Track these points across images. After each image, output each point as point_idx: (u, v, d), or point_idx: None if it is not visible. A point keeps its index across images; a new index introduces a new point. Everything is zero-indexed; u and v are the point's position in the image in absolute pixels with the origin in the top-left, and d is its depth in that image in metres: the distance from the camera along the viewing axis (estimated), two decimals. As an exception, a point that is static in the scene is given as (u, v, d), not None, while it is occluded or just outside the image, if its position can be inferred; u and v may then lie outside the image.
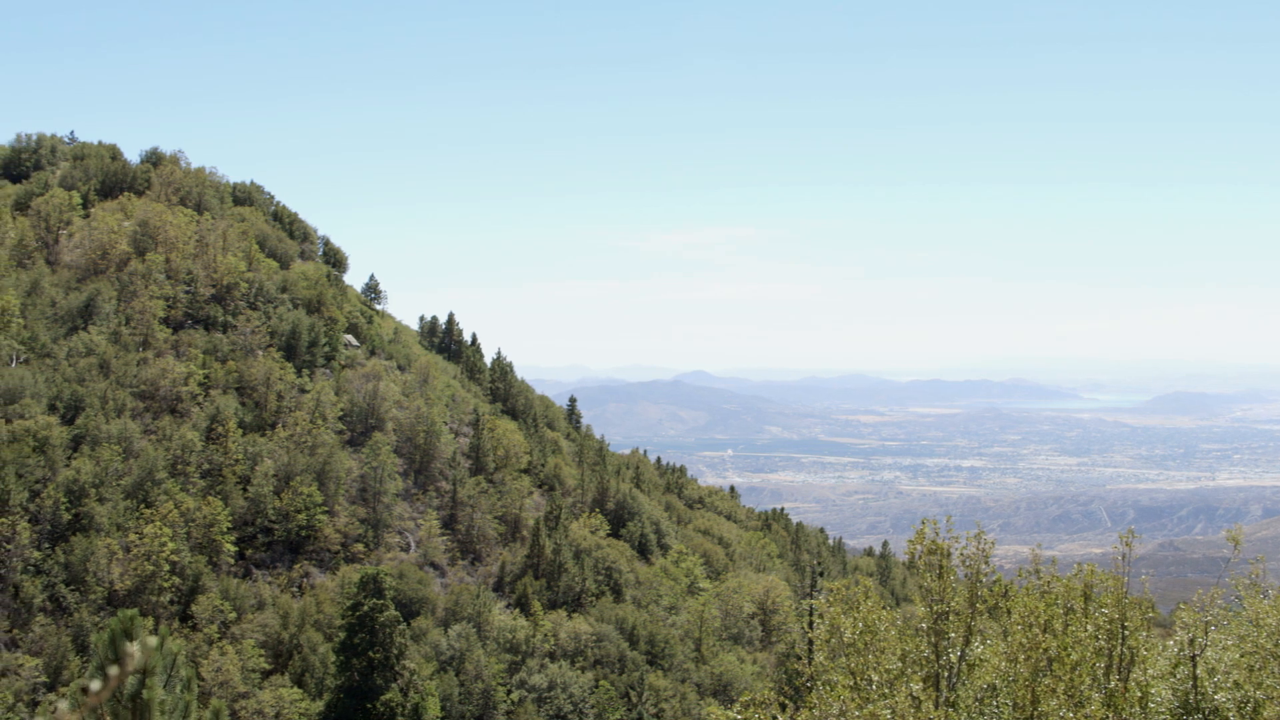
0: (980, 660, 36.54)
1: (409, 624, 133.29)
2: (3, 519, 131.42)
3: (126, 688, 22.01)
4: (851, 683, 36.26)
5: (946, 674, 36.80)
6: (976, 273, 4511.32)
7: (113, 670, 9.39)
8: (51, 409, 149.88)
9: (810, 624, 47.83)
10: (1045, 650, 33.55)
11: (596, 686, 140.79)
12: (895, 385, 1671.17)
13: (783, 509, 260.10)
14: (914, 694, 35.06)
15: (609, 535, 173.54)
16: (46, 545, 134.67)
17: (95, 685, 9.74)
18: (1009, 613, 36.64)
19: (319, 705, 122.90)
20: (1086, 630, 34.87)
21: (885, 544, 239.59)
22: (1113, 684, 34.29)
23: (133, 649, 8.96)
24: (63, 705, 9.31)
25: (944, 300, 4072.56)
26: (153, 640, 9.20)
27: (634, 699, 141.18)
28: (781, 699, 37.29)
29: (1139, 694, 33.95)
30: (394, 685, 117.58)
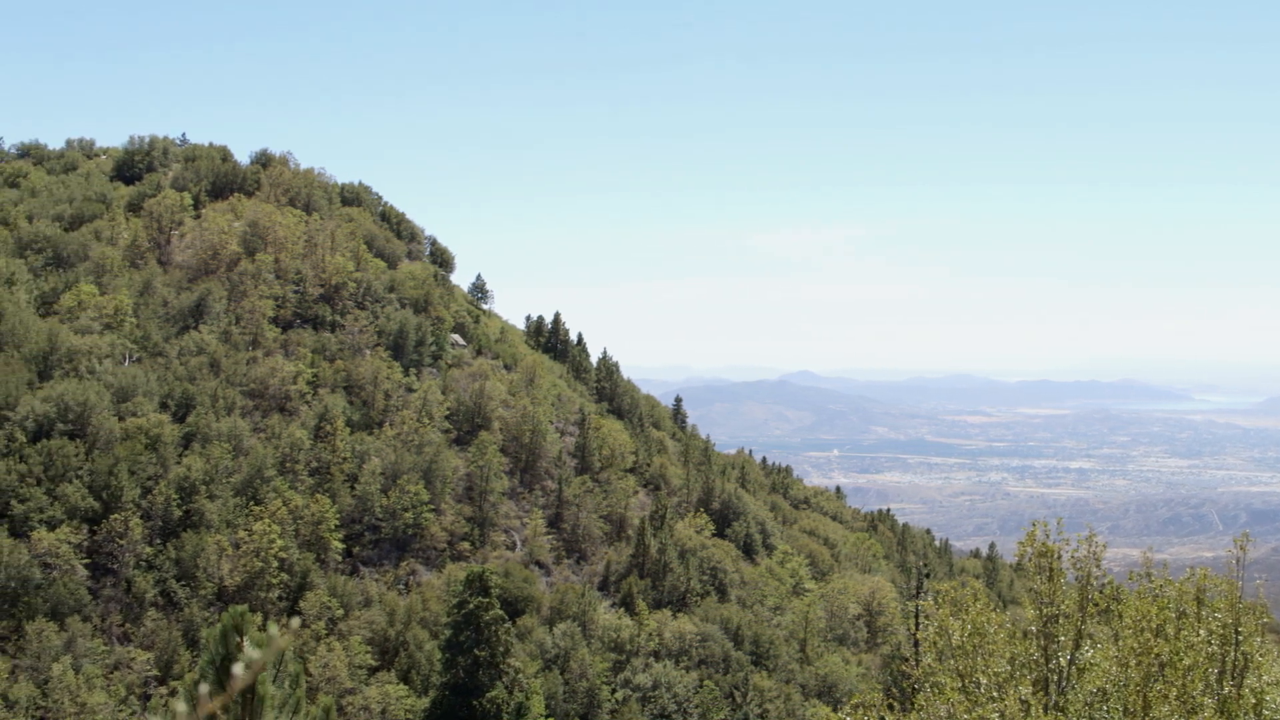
0: (1090, 664, 36.09)
1: (514, 622, 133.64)
2: (116, 515, 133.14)
3: (236, 683, 22.16)
4: (959, 685, 35.94)
5: (1056, 678, 36.39)
6: (1087, 273, 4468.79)
7: (241, 667, 9.45)
8: (163, 407, 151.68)
9: (917, 626, 47.45)
10: (1157, 655, 33.10)
11: (701, 686, 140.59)
12: (1003, 386, 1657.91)
13: (888, 510, 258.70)
14: (1023, 698, 34.71)
15: (714, 535, 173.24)
16: (158, 541, 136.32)
17: (239, 670, 9.82)
18: (1120, 616, 36.18)
19: (424, 702, 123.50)
20: (1199, 635, 34.36)
21: (992, 546, 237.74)
22: (1226, 690, 33.77)
23: (268, 638, 8.95)
24: (181, 707, 9.32)
25: (1053, 300, 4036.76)
26: (276, 632, 9.18)
27: (738, 699, 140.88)
28: (889, 701, 37.04)
29: (1253, 701, 33.42)
30: (499, 683, 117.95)
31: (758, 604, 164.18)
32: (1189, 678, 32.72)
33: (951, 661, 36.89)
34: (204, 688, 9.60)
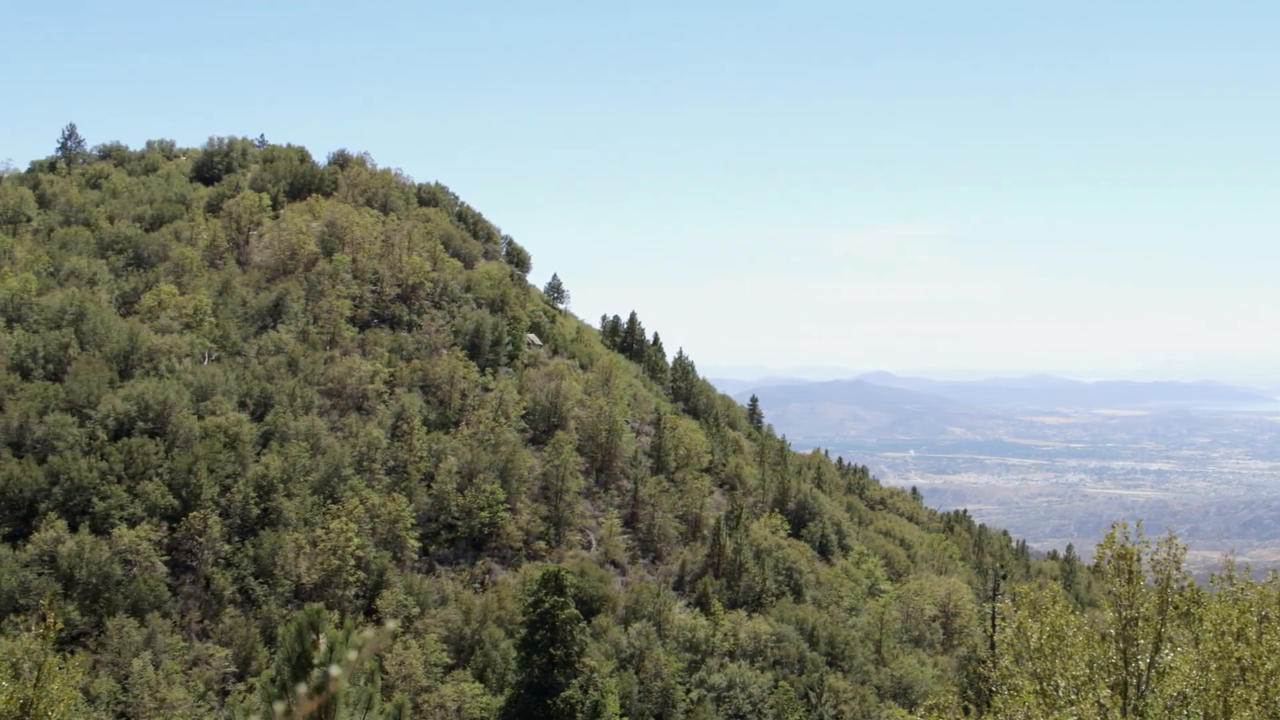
0: (1170, 668, 35.76)
1: (589, 621, 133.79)
2: (195, 513, 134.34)
3: (312, 680, 22.29)
4: (1037, 688, 35.70)
5: (1135, 681, 36.10)
6: (1167, 273, 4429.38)
7: (335, 670, 9.48)
8: (242, 406, 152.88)
9: (994, 628, 47.27)
10: (1238, 659, 32.75)
11: (775, 687, 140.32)
12: (1081, 386, 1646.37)
13: (965, 511, 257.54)
14: (1101, 701, 34.46)
15: (789, 535, 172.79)
16: (236, 539, 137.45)
17: (336, 672, 9.85)
18: (1200, 620, 35.83)
19: (499, 700, 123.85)
20: (1281, 639, 33.98)
21: (1069, 547, 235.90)
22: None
23: (361, 639, 9.00)
24: (278, 708, 9.38)
25: (1132, 300, 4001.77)
26: (371, 635, 9.22)
27: (813, 700, 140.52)
28: (965, 703, 36.87)
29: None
30: (574, 682, 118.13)
31: (833, 605, 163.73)
32: (1271, 682, 32.38)
33: (1029, 664, 36.66)
34: (302, 688, 9.60)
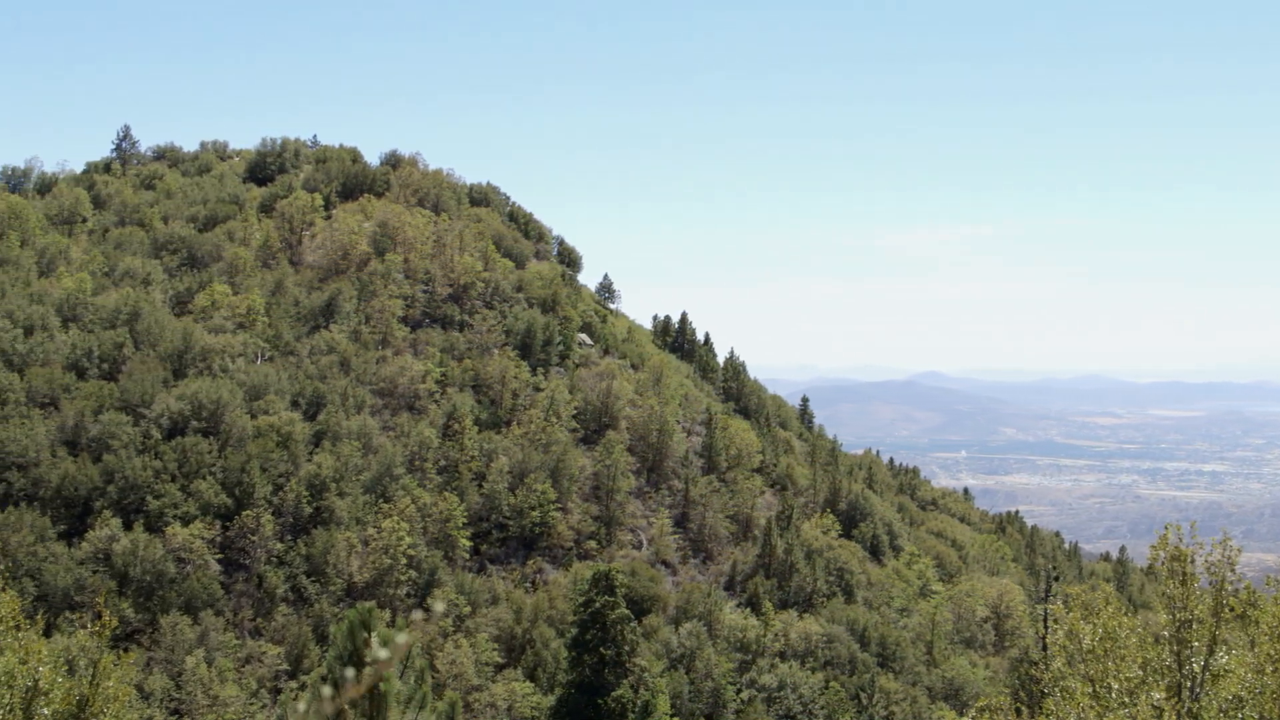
0: (1225, 670, 35.56)
1: (640, 621, 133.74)
2: (248, 511, 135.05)
3: (363, 677, 22.42)
4: (1090, 690, 35.56)
5: (1189, 684, 35.91)
6: (1221, 273, 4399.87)
7: (365, 667, 9.57)
8: (294, 405, 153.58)
9: (1046, 629, 47.09)
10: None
11: (826, 688, 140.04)
12: (1133, 387, 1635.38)
13: (1017, 512, 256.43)
14: (1155, 703, 34.29)
15: (840, 536, 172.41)
16: (289, 537, 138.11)
17: (365, 669, 9.94)
18: (1256, 622, 35.61)
19: (550, 700, 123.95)
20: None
21: (1122, 549, 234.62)
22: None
23: (398, 638, 9.09)
24: (300, 706, 9.45)
25: (1186, 301, 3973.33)
26: (404, 634, 9.29)
27: (864, 701, 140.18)
28: (1017, 705, 36.77)
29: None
30: (624, 682, 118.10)
31: (884, 605, 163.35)
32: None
33: (1082, 666, 36.51)
34: (325, 689, 9.68)
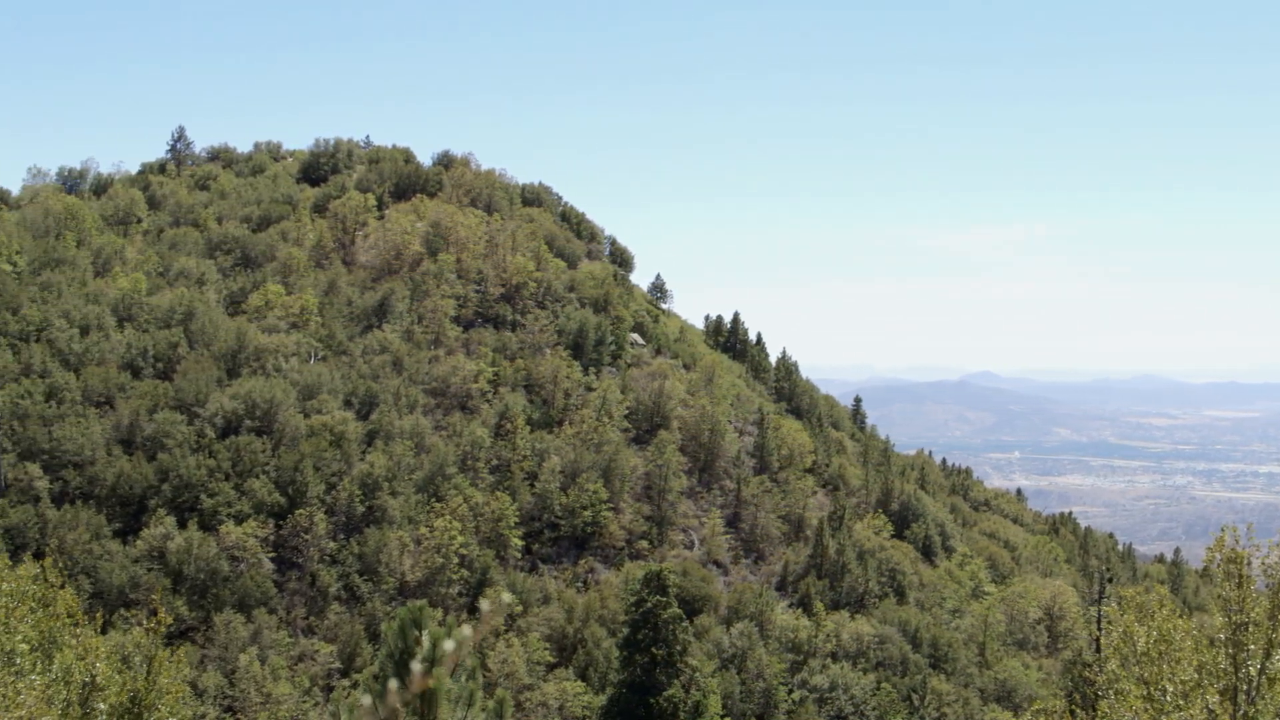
0: (1281, 674, 35.35)
1: (692, 621, 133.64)
2: (301, 510, 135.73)
3: (414, 676, 22.53)
4: (1144, 693, 35.40)
5: (1245, 687, 35.69)
6: (1275, 272, 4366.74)
7: (421, 663, 9.66)
8: (347, 404, 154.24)
9: (1100, 631, 46.89)
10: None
11: (878, 689, 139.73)
12: (1189, 387, 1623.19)
13: (1070, 513, 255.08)
14: (1210, 707, 34.12)
15: (893, 536, 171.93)
16: (341, 536, 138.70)
17: (419, 667, 10.05)
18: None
19: (601, 699, 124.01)
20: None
21: (1177, 551, 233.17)
22: None
23: (456, 637, 9.19)
24: (365, 700, 9.54)
25: (1242, 300, 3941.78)
26: (469, 631, 9.37)
27: (916, 702, 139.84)
28: (1071, 707, 36.65)
29: None
30: (676, 682, 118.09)
31: (936, 606, 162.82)
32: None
33: (1136, 668, 36.35)
34: (392, 683, 9.80)
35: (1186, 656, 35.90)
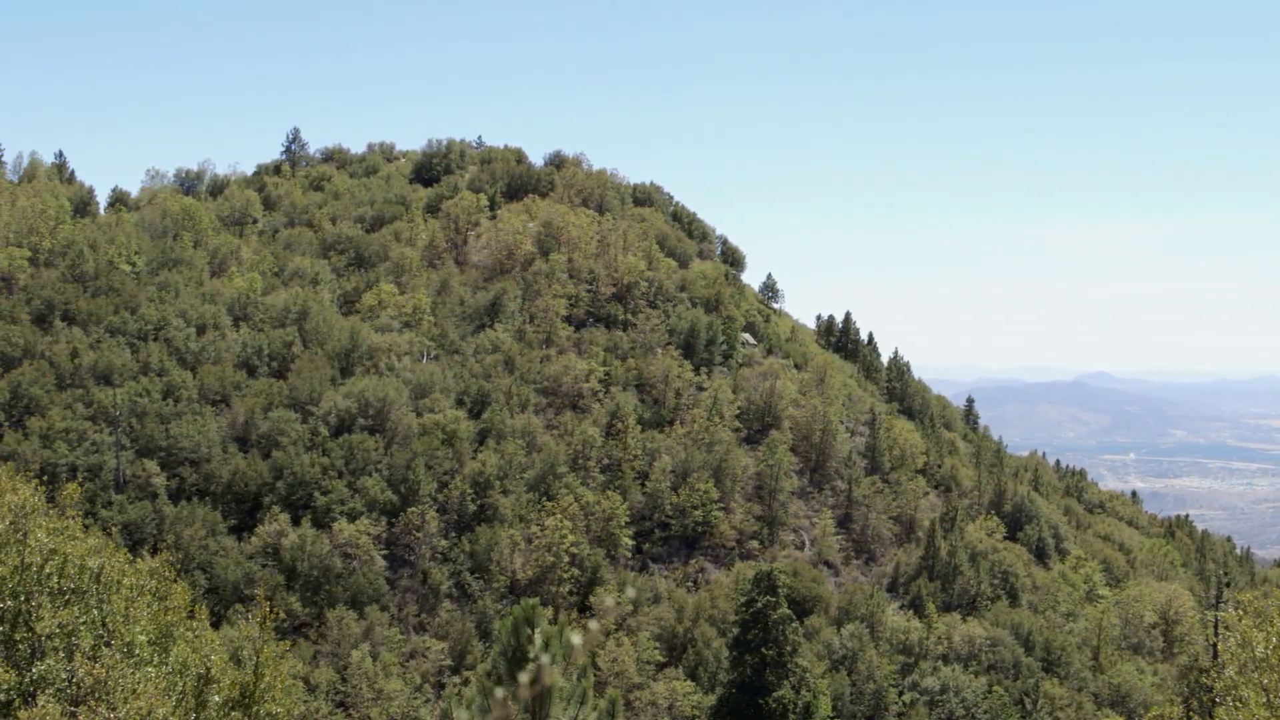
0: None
1: (802, 622, 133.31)
2: (413, 508, 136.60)
3: (527, 674, 22.58)
4: (1264, 700, 34.82)
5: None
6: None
7: (544, 661, 9.63)
8: (459, 403, 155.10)
9: (1217, 637, 46.23)
10: None
11: (990, 692, 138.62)
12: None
13: (1187, 515, 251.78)
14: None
15: (1005, 538, 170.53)
16: (453, 534, 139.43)
17: (542, 664, 10.01)
18: None
19: (711, 699, 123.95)
20: None
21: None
22: None
23: (574, 637, 9.16)
24: (463, 714, 9.55)
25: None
26: (594, 627, 9.35)
27: (1028, 706, 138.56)
28: (1188, 713, 36.16)
29: None
30: (786, 682, 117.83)
31: (1049, 609, 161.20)
32: None
33: (1255, 675, 35.76)
34: (503, 683, 9.79)
35: (1307, 662, 35.28)
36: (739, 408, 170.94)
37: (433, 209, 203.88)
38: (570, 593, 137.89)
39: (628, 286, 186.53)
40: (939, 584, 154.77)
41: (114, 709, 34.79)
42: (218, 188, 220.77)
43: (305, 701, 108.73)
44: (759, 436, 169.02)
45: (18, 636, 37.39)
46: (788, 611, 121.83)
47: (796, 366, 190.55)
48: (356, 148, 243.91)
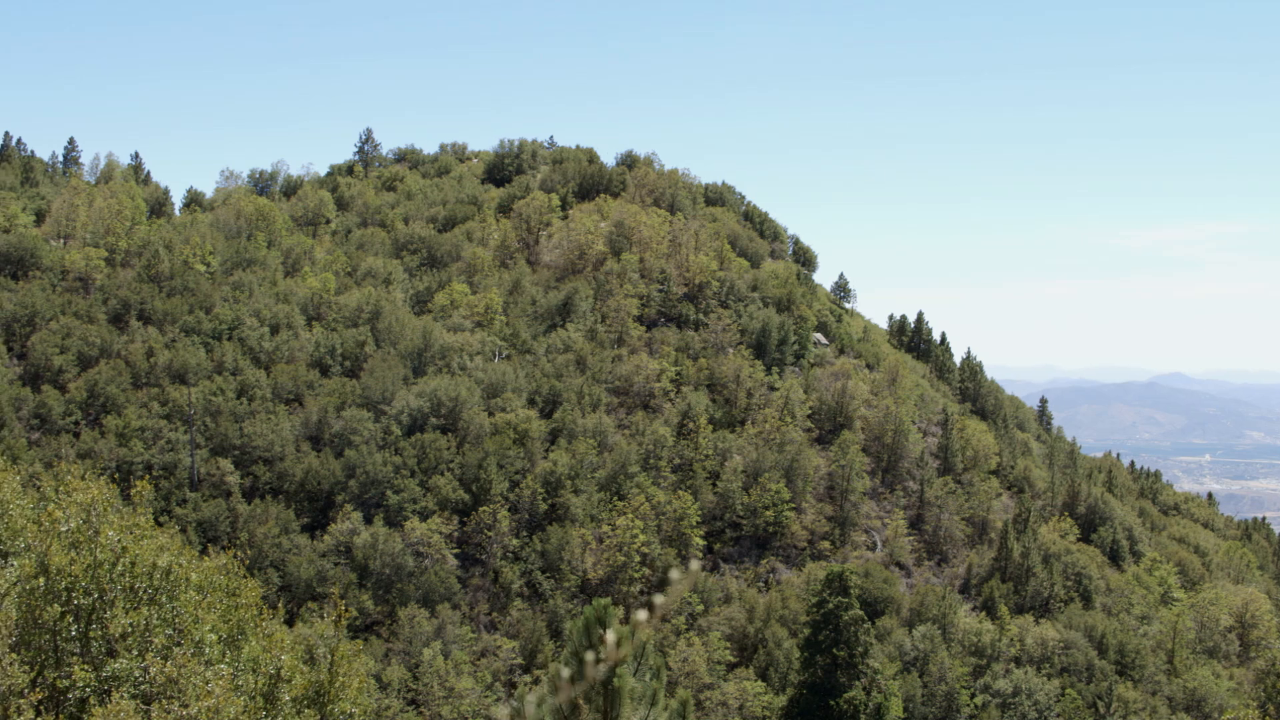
0: None
1: (873, 623, 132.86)
2: (485, 507, 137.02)
3: (598, 674, 22.58)
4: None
5: None
6: None
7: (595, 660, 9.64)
8: (531, 403, 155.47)
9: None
10: None
11: (1063, 695, 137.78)
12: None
13: (1264, 518, 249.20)
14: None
15: (1079, 540, 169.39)
16: (524, 533, 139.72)
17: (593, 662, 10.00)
18: None
19: (782, 700, 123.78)
20: None
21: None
22: None
23: (622, 631, 9.16)
24: (502, 713, 9.54)
25: None
26: (642, 618, 9.35)
27: (1101, 709, 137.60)
28: (1264, 717, 35.90)
29: None
30: (857, 684, 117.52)
31: (1123, 612, 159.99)
32: None
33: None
34: (565, 672, 9.76)
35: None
36: (811, 408, 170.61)
37: (504, 209, 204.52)
38: (641, 592, 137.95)
39: (699, 286, 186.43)
40: (1011, 586, 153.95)
41: (185, 706, 35.03)
42: (291, 188, 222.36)
43: (377, 699, 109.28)
44: (830, 437, 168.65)
45: (92, 635, 37.69)
46: (859, 612, 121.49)
47: (869, 366, 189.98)
48: (429, 148, 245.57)
